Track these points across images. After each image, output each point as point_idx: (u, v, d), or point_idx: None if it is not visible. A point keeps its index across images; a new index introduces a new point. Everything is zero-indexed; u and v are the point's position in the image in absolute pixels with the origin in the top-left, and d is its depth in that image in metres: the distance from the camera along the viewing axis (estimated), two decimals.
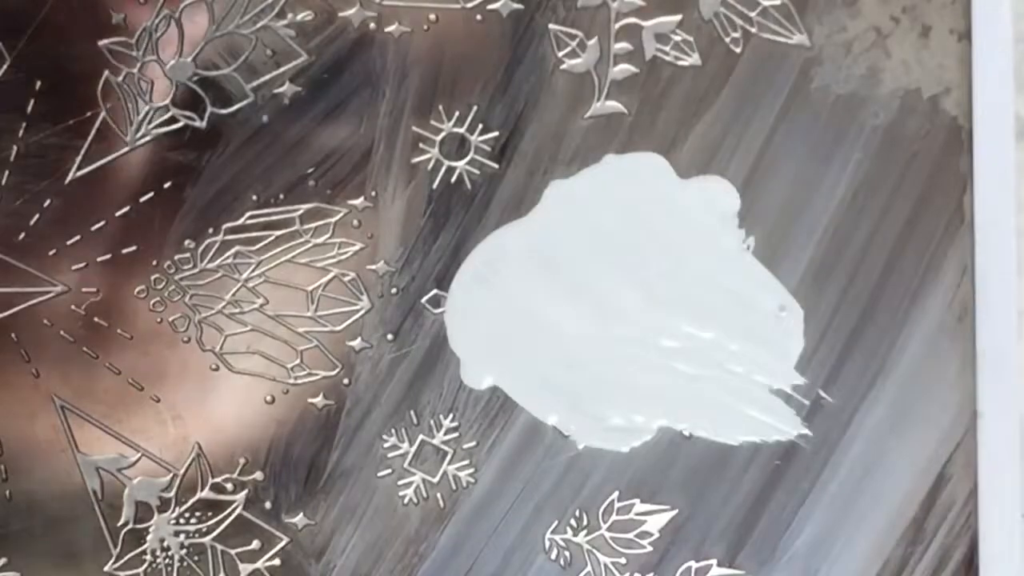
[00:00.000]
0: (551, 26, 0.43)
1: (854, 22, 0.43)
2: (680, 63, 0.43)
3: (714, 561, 0.44)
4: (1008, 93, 0.42)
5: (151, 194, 0.43)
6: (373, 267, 0.44)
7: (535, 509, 0.44)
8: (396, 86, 0.43)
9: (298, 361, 0.44)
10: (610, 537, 0.44)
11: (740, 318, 0.44)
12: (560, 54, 0.43)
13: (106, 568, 0.44)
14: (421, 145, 0.43)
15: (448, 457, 0.44)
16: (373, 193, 0.44)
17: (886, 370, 0.44)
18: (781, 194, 0.43)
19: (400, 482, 0.44)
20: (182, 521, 0.44)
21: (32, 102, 0.43)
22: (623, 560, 0.44)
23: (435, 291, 0.44)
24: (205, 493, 0.44)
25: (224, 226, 0.43)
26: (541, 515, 0.44)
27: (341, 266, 0.44)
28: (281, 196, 0.43)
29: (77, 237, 0.43)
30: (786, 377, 0.44)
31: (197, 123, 0.43)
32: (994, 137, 0.42)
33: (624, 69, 0.43)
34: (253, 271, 0.44)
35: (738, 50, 0.43)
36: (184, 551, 0.44)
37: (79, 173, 0.43)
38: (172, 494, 0.44)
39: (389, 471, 0.44)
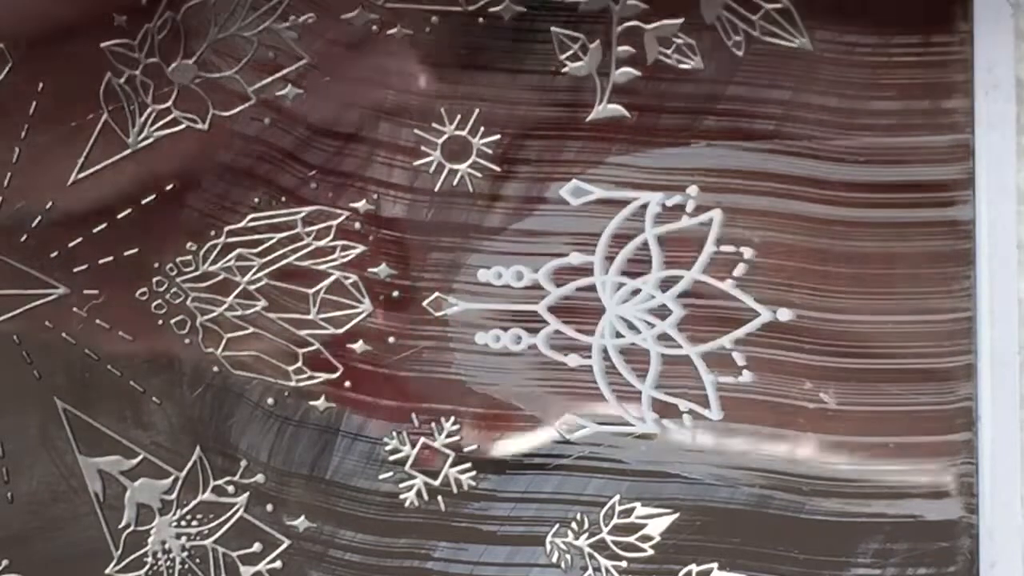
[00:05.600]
0: (553, 29, 0.43)
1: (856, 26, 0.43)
2: (682, 66, 0.43)
3: (715, 565, 0.44)
4: (1010, 96, 0.42)
5: (153, 196, 0.43)
6: (375, 270, 0.44)
7: (536, 512, 0.44)
8: (398, 88, 0.43)
9: (299, 363, 0.44)
10: (611, 540, 0.44)
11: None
12: (562, 57, 0.43)
13: (107, 571, 0.44)
14: (423, 148, 0.44)
15: (449, 460, 0.44)
16: (375, 196, 0.44)
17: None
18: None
19: (401, 485, 0.44)
20: (183, 524, 0.44)
21: (34, 104, 0.43)
22: (624, 563, 0.44)
23: (436, 294, 0.44)
24: (206, 496, 0.44)
25: (226, 228, 0.43)
26: (542, 518, 0.44)
27: (343, 269, 0.44)
28: (283, 199, 0.43)
29: (79, 239, 0.43)
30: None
31: (199, 125, 0.43)
32: (995, 139, 0.42)
33: (626, 72, 0.43)
34: (255, 273, 0.44)
35: (740, 53, 0.43)
36: (185, 553, 0.44)
37: (81, 175, 0.43)
38: (173, 496, 0.44)
39: (390, 474, 0.44)
